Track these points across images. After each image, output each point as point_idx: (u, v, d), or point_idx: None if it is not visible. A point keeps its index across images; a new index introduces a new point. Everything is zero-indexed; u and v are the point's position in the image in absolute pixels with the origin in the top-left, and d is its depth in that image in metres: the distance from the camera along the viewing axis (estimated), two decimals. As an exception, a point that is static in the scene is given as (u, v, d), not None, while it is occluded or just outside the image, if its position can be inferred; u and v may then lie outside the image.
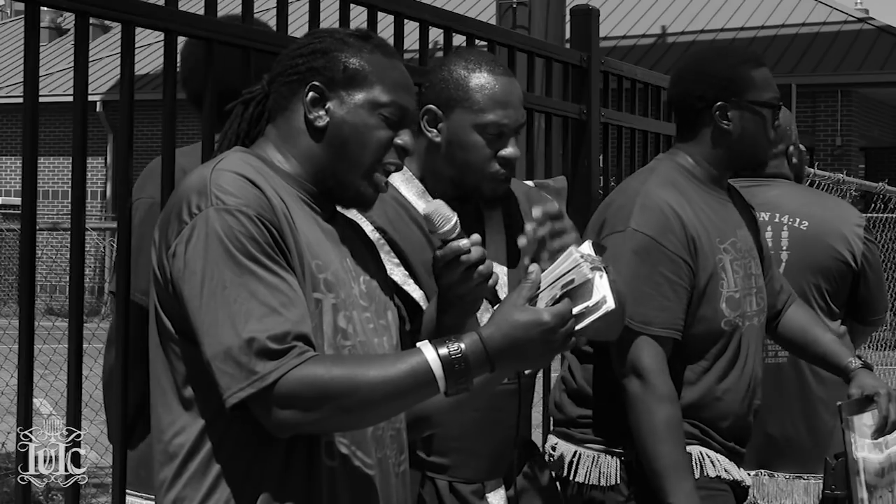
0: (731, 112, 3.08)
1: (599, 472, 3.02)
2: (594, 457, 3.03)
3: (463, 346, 1.96)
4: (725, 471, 3.08)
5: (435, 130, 2.57)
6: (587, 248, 2.14)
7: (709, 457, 3.06)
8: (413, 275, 2.52)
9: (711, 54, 3.19)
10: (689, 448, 3.00)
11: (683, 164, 3.13)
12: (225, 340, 1.93)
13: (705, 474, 3.03)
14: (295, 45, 2.21)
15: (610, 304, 2.00)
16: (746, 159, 3.17)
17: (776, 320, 3.43)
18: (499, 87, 2.56)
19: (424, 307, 2.50)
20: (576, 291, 2.01)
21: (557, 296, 2.01)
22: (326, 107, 2.13)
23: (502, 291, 2.60)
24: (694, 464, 3.02)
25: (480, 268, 2.15)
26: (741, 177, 4.01)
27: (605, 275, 2.03)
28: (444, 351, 1.95)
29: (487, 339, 1.96)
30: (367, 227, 2.47)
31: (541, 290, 2.02)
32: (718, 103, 3.08)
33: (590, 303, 2.00)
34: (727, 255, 3.06)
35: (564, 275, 2.02)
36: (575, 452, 3.06)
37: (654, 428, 2.88)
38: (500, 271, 2.62)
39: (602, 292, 2.01)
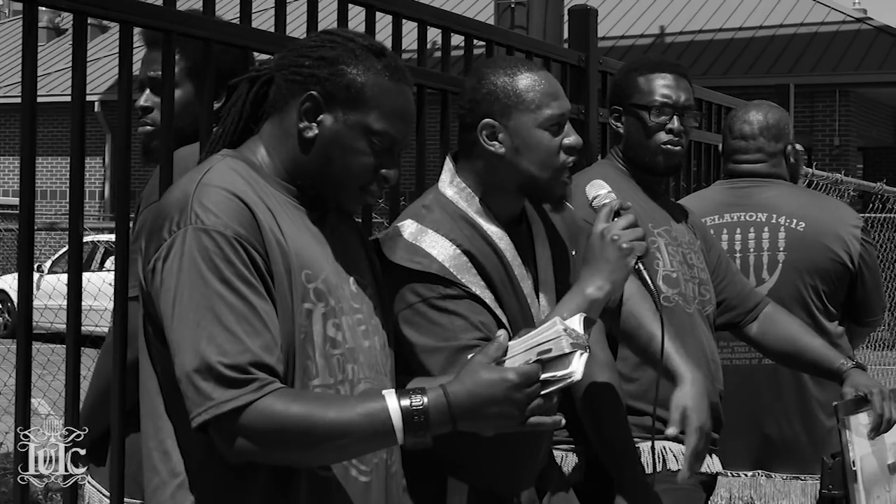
0: (623, 117, 3.31)
1: (567, 471, 3.06)
2: (562, 457, 3.07)
3: (426, 399, 1.95)
4: None
5: (497, 143, 2.57)
6: (576, 321, 2.14)
7: (671, 451, 3.13)
8: (497, 297, 2.52)
9: (622, 65, 3.45)
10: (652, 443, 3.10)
11: (614, 164, 3.35)
12: (187, 363, 1.93)
13: (667, 468, 3.11)
14: (307, 40, 2.19)
15: (576, 378, 2.02)
16: (637, 161, 3.31)
17: (747, 322, 3.49)
18: (545, 81, 2.59)
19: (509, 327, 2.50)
20: (550, 361, 2.02)
21: (531, 361, 2.01)
22: (319, 119, 2.11)
23: (545, 315, 2.60)
24: (656, 458, 3.10)
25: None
26: (737, 177, 4.01)
27: (584, 353, 2.04)
28: (405, 402, 1.94)
29: (452, 395, 1.96)
30: (449, 248, 2.48)
31: (516, 352, 2.02)
32: (612, 107, 3.34)
33: (558, 373, 2.01)
34: (661, 239, 3.22)
35: (543, 343, 2.02)
36: None
37: (596, 392, 2.93)
38: (545, 293, 2.64)
39: (573, 367, 2.02)
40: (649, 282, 2.55)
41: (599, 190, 2.64)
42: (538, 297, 2.62)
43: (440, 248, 2.48)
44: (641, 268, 2.53)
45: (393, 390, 1.98)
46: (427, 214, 2.54)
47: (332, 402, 1.98)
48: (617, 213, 2.57)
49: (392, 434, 1.94)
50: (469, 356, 2.37)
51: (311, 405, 1.94)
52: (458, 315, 2.44)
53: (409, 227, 2.52)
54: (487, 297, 2.49)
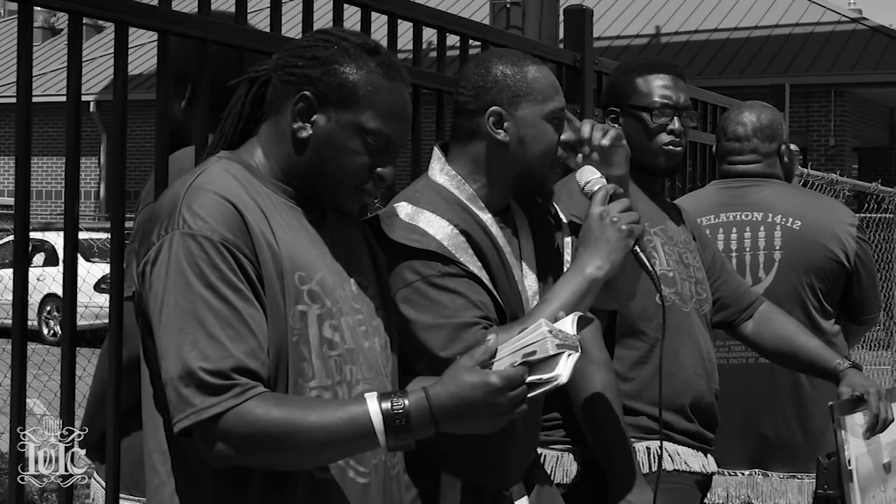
0: (621, 118, 3.27)
1: (563, 471, 3.06)
2: (558, 457, 3.07)
3: (407, 402, 1.94)
4: (685, 463, 3.16)
5: (502, 131, 2.57)
6: (568, 322, 2.13)
7: (667, 451, 3.13)
8: (492, 279, 2.51)
9: (617, 67, 3.43)
10: (647, 443, 3.09)
11: None
12: (170, 368, 1.93)
13: (663, 468, 3.09)
14: (301, 41, 2.19)
15: (562, 381, 2.00)
16: (638, 162, 3.26)
17: (742, 320, 3.49)
18: (549, 75, 2.62)
19: (505, 308, 2.50)
20: (537, 363, 2.01)
21: (517, 363, 2.00)
22: (312, 119, 2.10)
23: (534, 302, 2.60)
24: (651, 458, 3.09)
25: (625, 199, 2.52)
26: (732, 178, 4.02)
27: (573, 354, 2.03)
28: (386, 405, 1.93)
29: (434, 398, 1.95)
30: (447, 227, 2.47)
31: (503, 355, 2.01)
32: (608, 108, 3.30)
33: (544, 376, 2.00)
34: (658, 238, 3.21)
35: (528, 346, 2.01)
36: (539, 454, 3.09)
37: (592, 391, 2.94)
38: (531, 280, 2.63)
39: (560, 370, 2.01)
40: (647, 263, 2.55)
41: (591, 175, 2.63)
42: (525, 286, 2.61)
43: (437, 227, 2.47)
44: (639, 250, 2.54)
45: (375, 393, 1.97)
46: (421, 197, 2.53)
47: (314, 405, 1.97)
48: (611, 198, 2.57)
49: (374, 437, 1.93)
50: (471, 331, 2.37)
51: (293, 409, 1.94)
52: (457, 294, 2.43)
53: (404, 209, 2.50)
54: (484, 277, 2.49)
